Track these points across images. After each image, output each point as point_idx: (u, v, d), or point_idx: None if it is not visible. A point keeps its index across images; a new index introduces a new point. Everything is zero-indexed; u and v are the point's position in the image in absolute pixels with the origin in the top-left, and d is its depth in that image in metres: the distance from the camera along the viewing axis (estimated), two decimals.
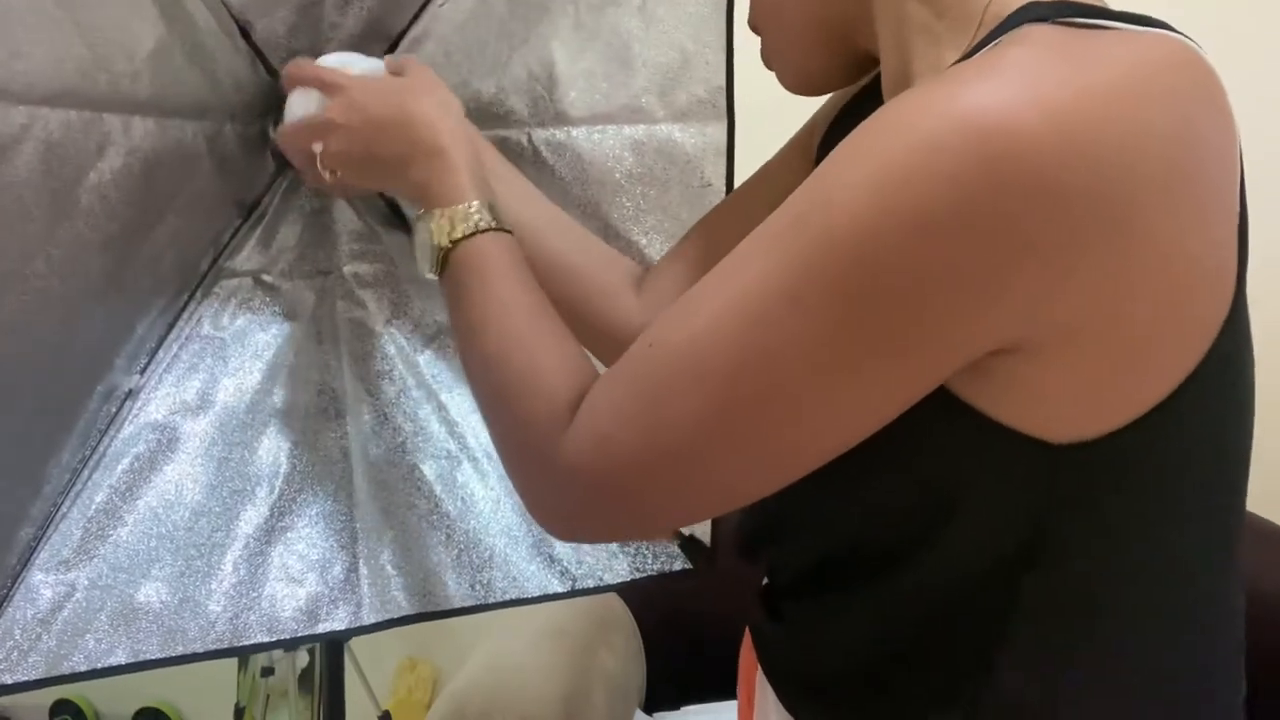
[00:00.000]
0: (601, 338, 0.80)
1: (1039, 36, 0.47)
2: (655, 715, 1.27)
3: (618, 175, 0.86)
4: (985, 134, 0.42)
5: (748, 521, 0.66)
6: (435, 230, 0.64)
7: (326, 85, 0.75)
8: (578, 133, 0.86)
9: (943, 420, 0.50)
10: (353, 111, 0.71)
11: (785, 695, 0.64)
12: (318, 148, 0.74)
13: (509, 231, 0.65)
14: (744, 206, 0.79)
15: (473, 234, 0.63)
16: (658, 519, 0.56)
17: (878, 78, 0.72)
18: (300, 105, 0.76)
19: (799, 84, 0.68)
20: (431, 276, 0.66)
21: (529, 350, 0.58)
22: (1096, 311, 0.45)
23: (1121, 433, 0.48)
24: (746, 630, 0.70)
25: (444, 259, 0.64)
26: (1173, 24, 0.49)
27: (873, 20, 0.60)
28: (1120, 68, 0.45)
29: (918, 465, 0.52)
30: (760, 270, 0.48)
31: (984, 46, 0.50)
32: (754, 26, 0.69)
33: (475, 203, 0.64)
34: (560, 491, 0.55)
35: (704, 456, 0.50)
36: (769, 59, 0.68)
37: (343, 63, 0.78)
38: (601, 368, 0.57)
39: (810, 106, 0.78)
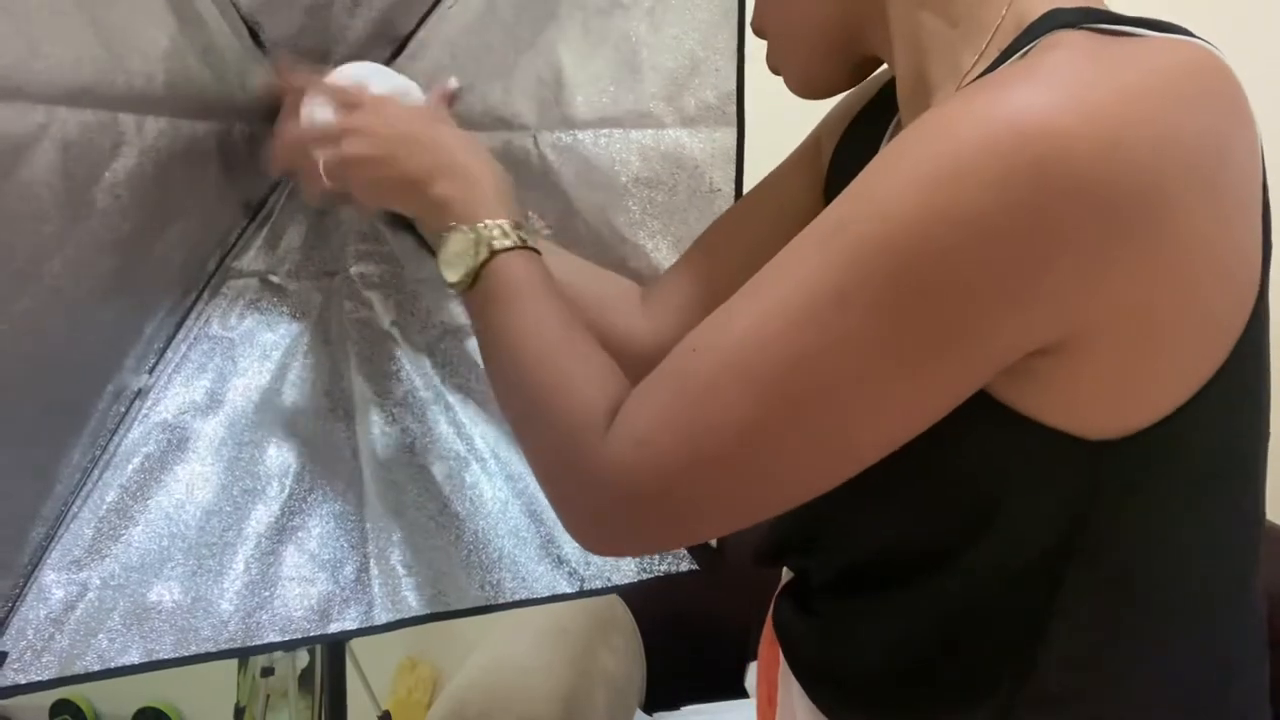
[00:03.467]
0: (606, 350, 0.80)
1: (1073, 42, 0.48)
2: (655, 715, 1.27)
3: (624, 179, 0.87)
4: (1030, 136, 0.44)
5: (781, 528, 0.65)
6: (475, 243, 0.63)
7: (345, 100, 0.73)
8: (584, 136, 0.86)
9: (980, 420, 0.50)
10: (377, 121, 0.70)
11: (816, 692, 0.64)
12: (320, 155, 0.72)
13: (538, 251, 0.65)
14: (749, 216, 0.80)
15: (509, 249, 0.63)
16: (701, 525, 0.55)
17: (887, 88, 0.73)
18: (321, 114, 0.74)
19: (804, 88, 0.69)
20: (452, 290, 0.65)
21: (564, 363, 0.58)
22: (1129, 310, 0.47)
23: (1153, 429, 0.50)
24: (767, 626, 0.70)
25: (476, 273, 0.63)
26: (1192, 28, 0.51)
27: (886, 28, 0.61)
28: (1151, 72, 0.46)
29: (956, 466, 0.53)
30: (806, 273, 0.48)
31: (1014, 52, 0.51)
32: (759, 31, 0.69)
33: (508, 221, 0.64)
34: (600, 501, 0.54)
35: (749, 460, 0.50)
36: (775, 64, 0.69)
37: (373, 72, 0.77)
38: None
39: (820, 112, 0.79)
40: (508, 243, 0.63)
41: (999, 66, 0.51)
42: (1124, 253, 0.45)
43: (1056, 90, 0.45)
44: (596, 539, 0.57)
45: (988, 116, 0.45)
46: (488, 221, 0.64)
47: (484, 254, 0.63)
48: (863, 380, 0.47)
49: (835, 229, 0.49)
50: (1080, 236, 0.45)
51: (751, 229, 0.78)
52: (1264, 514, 0.58)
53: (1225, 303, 0.50)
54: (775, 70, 0.70)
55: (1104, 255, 0.45)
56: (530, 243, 0.64)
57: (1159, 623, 0.54)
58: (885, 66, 0.68)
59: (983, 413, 0.50)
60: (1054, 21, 0.50)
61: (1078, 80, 0.45)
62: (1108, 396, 0.49)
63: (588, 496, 0.55)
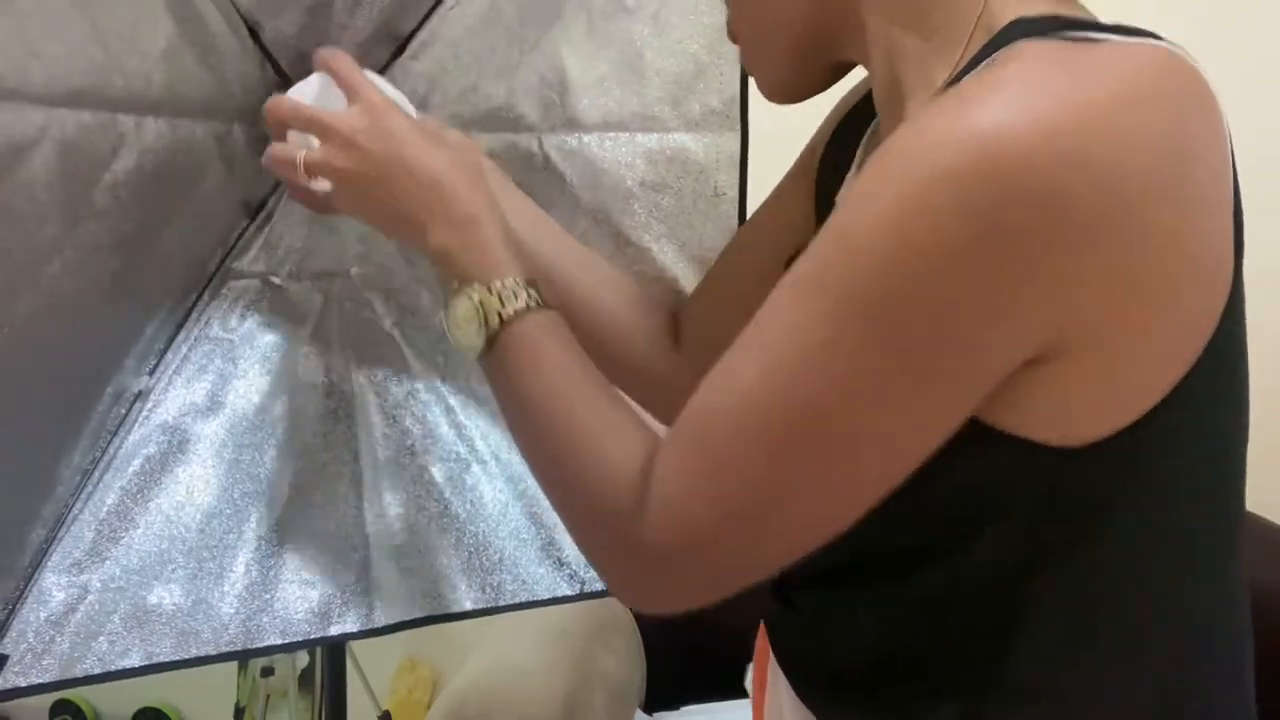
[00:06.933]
0: (636, 376, 0.79)
1: (1034, 52, 0.48)
2: (655, 715, 1.28)
3: (629, 182, 0.87)
4: (990, 157, 0.44)
5: None
6: (484, 306, 0.60)
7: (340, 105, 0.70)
8: (589, 139, 0.86)
9: (955, 434, 0.51)
10: (371, 132, 0.66)
11: (796, 682, 0.65)
12: (302, 153, 0.68)
13: (554, 309, 0.62)
14: (758, 231, 0.80)
15: (524, 311, 0.60)
16: (737, 578, 0.56)
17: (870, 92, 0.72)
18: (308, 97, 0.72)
19: (775, 92, 0.68)
20: (472, 356, 0.62)
21: (591, 427, 0.58)
22: (1102, 316, 0.47)
23: (1126, 432, 0.50)
24: (762, 621, 0.71)
25: (491, 340, 0.61)
26: (1163, 30, 0.51)
27: (861, 36, 0.61)
28: (1114, 79, 0.47)
29: (927, 475, 0.53)
30: (793, 322, 0.49)
31: (979, 62, 0.51)
32: (732, 34, 0.69)
33: (520, 279, 0.61)
34: (637, 565, 0.55)
35: (773, 513, 0.51)
36: (748, 67, 0.69)
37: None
38: (648, 417, 0.58)
39: (824, 115, 0.79)
40: (519, 305, 0.60)
41: (964, 76, 0.52)
42: (1094, 261, 0.46)
43: (1014, 106, 0.45)
44: (636, 598, 0.58)
45: (944, 140, 0.45)
46: (495, 283, 0.61)
47: (495, 322, 0.60)
48: (864, 419, 0.48)
49: (814, 271, 0.49)
50: (1049, 250, 0.45)
51: (761, 244, 0.79)
52: (1243, 511, 0.58)
53: (1198, 301, 0.50)
54: (750, 73, 0.69)
55: (1075, 265, 0.46)
56: (542, 299, 0.62)
57: (1135, 625, 0.54)
58: None
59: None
60: (1017, 31, 0.51)
61: (1035, 93, 0.46)
62: (1077, 404, 0.50)
63: (625, 560, 0.56)
